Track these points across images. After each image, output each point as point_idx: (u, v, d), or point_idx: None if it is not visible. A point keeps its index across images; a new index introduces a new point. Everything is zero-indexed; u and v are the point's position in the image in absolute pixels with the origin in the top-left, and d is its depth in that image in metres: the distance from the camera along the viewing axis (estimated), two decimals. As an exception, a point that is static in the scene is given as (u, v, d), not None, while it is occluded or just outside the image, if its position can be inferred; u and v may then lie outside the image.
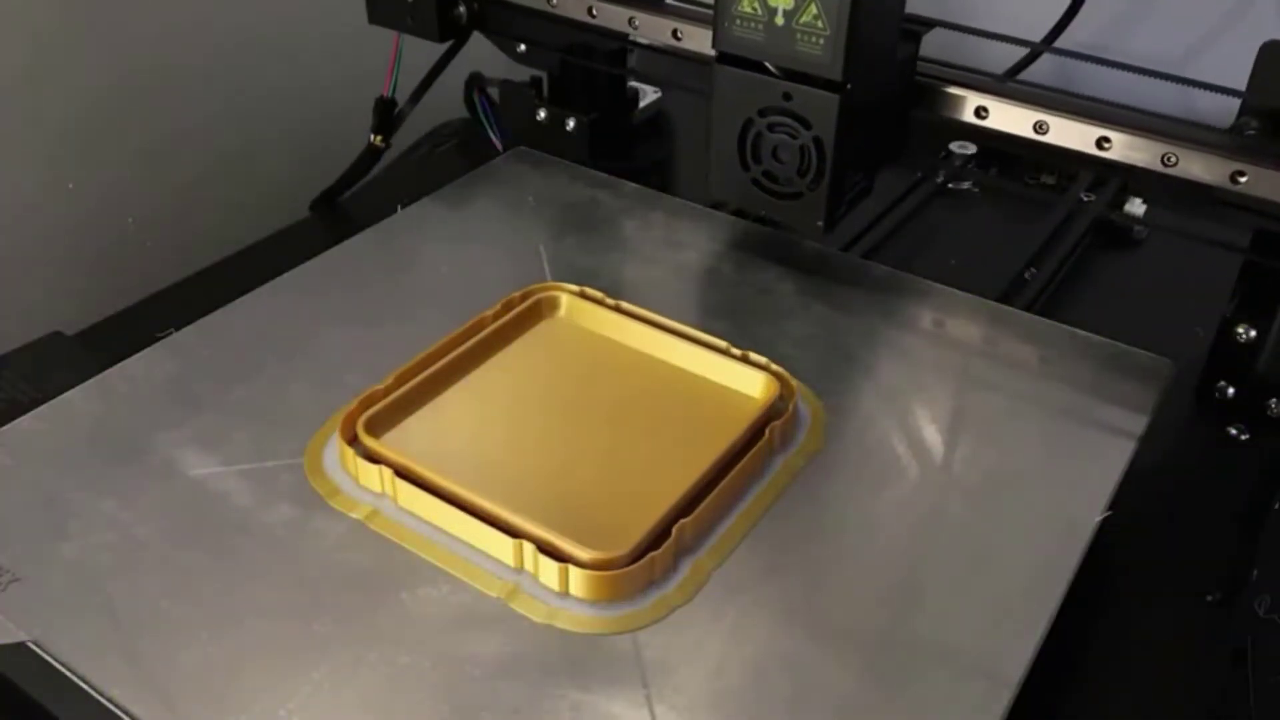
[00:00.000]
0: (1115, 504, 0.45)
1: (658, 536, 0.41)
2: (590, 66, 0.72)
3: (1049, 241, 0.67)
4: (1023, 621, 0.40)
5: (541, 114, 0.74)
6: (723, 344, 0.51)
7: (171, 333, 0.54)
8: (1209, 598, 0.47)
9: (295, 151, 0.73)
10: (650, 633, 0.40)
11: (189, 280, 0.66)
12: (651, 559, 0.41)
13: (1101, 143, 0.54)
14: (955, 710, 0.38)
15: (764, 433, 0.46)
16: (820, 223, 0.55)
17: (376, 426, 0.46)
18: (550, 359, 0.52)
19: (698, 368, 0.51)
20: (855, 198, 0.59)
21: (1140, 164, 0.53)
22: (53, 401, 0.49)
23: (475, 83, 0.78)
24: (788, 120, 0.54)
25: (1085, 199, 0.72)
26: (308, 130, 0.73)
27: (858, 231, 0.68)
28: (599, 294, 0.54)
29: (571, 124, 0.73)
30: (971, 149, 0.76)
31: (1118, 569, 0.48)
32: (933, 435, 0.49)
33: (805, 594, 0.42)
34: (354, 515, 0.44)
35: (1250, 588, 0.47)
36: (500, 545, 0.42)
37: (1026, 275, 0.65)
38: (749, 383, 0.49)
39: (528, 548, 0.41)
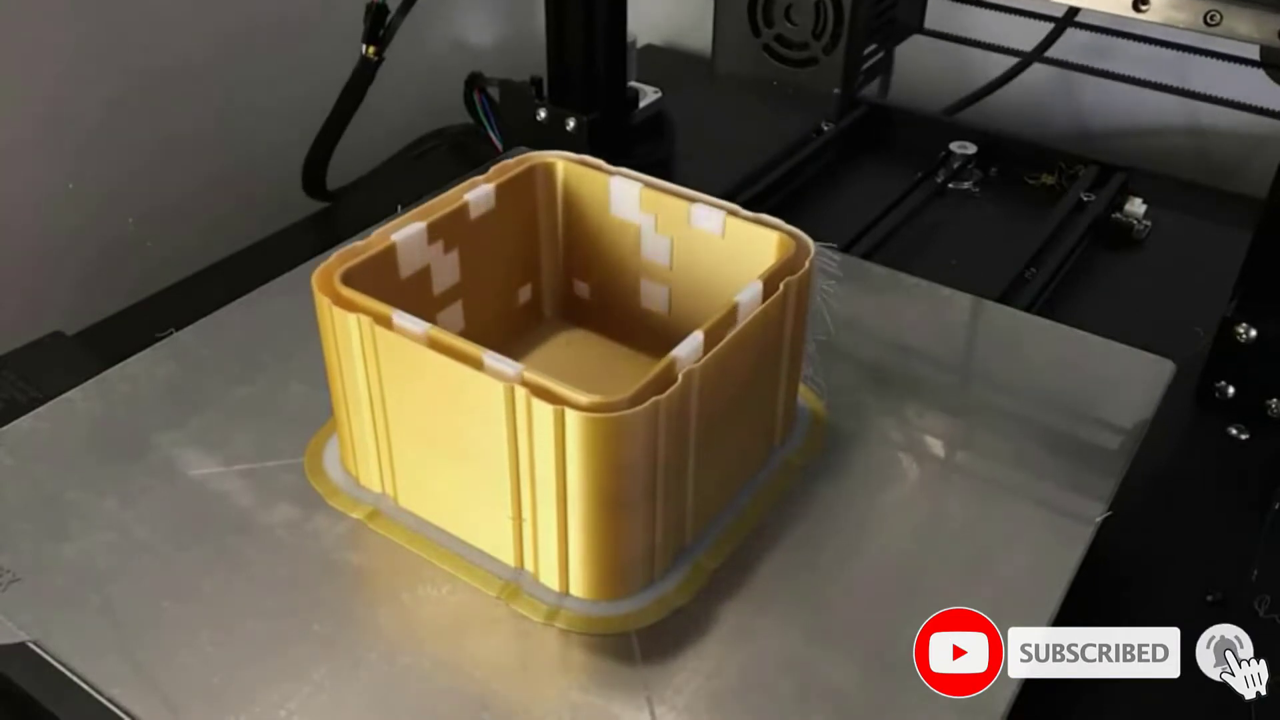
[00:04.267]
0: (1115, 504, 0.45)
1: (663, 382, 0.38)
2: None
3: (1049, 241, 0.68)
4: (1023, 621, 0.40)
5: (541, 114, 0.74)
6: (731, 205, 0.47)
7: (171, 333, 0.54)
8: (1209, 598, 0.47)
9: (295, 152, 0.73)
10: (650, 633, 0.40)
11: (189, 280, 0.66)
12: (656, 403, 0.37)
13: (1138, 3, 0.50)
14: (955, 710, 0.38)
15: (779, 287, 0.43)
16: (837, 89, 0.53)
17: (355, 279, 0.42)
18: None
19: (707, 228, 0.48)
20: (873, 67, 0.56)
21: (1181, 25, 0.50)
22: (53, 401, 0.49)
23: (475, 83, 0.78)
24: None
25: (1085, 199, 0.72)
26: (308, 131, 0.72)
27: (858, 231, 0.68)
28: (598, 160, 0.50)
29: (571, 124, 0.73)
30: (971, 149, 0.76)
31: (1118, 569, 0.48)
32: (933, 436, 0.49)
33: (805, 594, 0.42)
34: (354, 515, 0.44)
35: (1250, 588, 0.47)
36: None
37: (1026, 275, 0.65)
38: (762, 241, 0.46)
39: (519, 392, 0.37)
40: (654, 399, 0.37)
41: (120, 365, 0.52)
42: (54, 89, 0.67)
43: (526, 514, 0.40)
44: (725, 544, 0.43)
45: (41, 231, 0.68)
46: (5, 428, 0.48)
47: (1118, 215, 0.71)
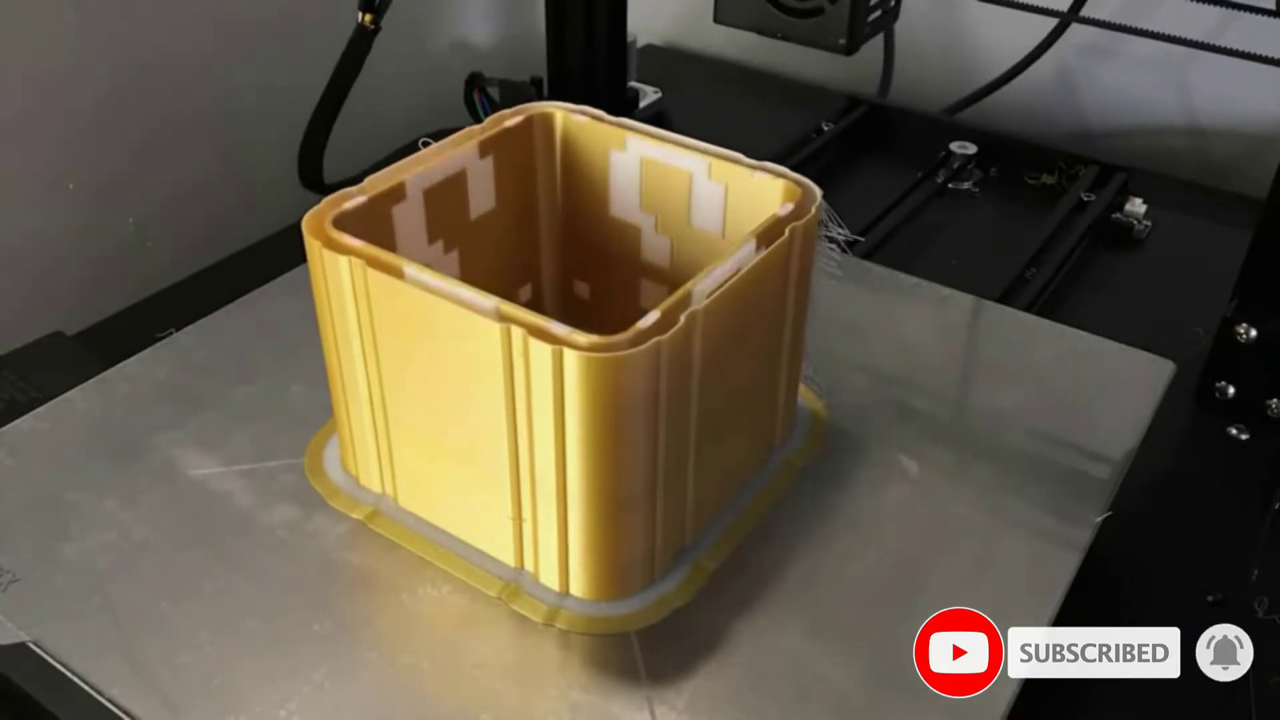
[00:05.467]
0: (1115, 504, 0.45)
1: (666, 323, 0.37)
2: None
3: (1049, 241, 0.68)
4: (1023, 621, 0.40)
5: (541, 114, 0.74)
6: (735, 154, 0.46)
7: (171, 333, 0.54)
8: (1209, 598, 0.47)
9: (296, 151, 0.73)
10: (650, 633, 0.40)
11: (189, 280, 0.66)
12: (658, 344, 0.36)
13: None
14: (956, 710, 0.38)
15: (784, 233, 0.41)
16: (843, 40, 0.51)
17: (346, 224, 0.41)
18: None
19: (711, 178, 0.46)
20: (879, 20, 0.54)
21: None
22: (53, 401, 0.49)
23: (475, 83, 0.78)
24: None
25: (1085, 199, 0.72)
26: (308, 130, 0.73)
27: (858, 232, 0.68)
28: (599, 111, 0.49)
29: (571, 124, 0.73)
30: (972, 149, 0.77)
31: (1118, 569, 0.48)
32: (932, 436, 0.49)
33: (805, 594, 0.42)
34: (354, 515, 0.44)
35: (1250, 588, 0.47)
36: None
37: (1026, 275, 0.65)
38: (767, 190, 0.45)
39: (516, 333, 0.36)
40: (655, 339, 0.36)
41: (120, 365, 0.52)
42: (53, 88, 0.67)
43: (525, 476, 0.39)
44: (725, 544, 0.43)
45: (41, 231, 0.68)
46: (5, 428, 0.48)
47: (1118, 215, 0.71)
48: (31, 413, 0.49)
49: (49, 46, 0.66)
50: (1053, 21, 0.78)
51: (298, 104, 0.72)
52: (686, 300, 0.38)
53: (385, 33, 0.70)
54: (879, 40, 0.85)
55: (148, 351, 0.52)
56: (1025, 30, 0.80)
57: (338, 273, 0.40)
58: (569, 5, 0.73)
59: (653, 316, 0.37)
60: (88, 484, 0.45)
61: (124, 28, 0.69)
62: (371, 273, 0.39)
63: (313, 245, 0.40)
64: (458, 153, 0.46)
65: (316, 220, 0.41)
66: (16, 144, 0.66)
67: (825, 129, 0.80)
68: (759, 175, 0.45)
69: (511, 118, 0.48)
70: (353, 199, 0.42)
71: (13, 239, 0.67)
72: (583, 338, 0.35)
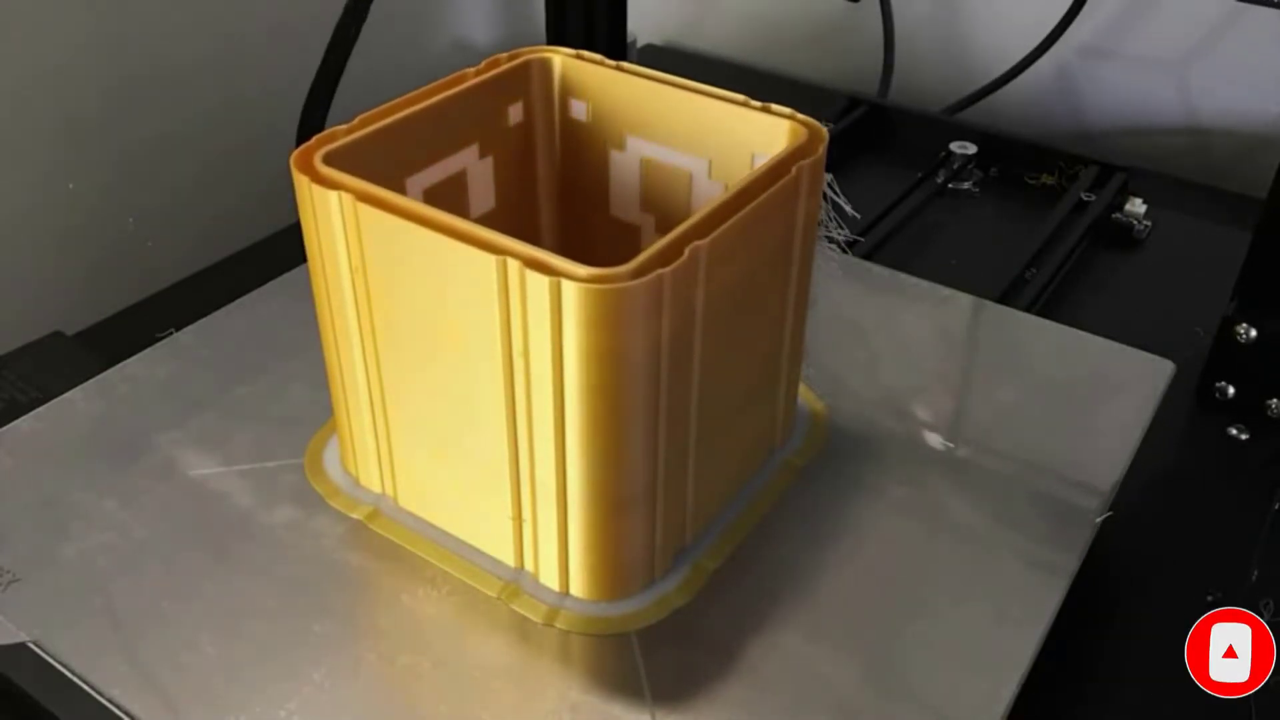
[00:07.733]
0: (1115, 504, 0.45)
1: (669, 256, 0.35)
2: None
3: (1049, 241, 0.68)
4: (1022, 622, 0.40)
5: (541, 114, 0.74)
6: (740, 97, 0.45)
7: (171, 333, 0.54)
8: (1209, 598, 0.47)
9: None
10: (650, 632, 0.40)
11: (189, 280, 0.66)
12: (660, 276, 0.34)
13: None
14: (955, 711, 0.38)
15: (791, 170, 0.41)
16: None
17: (336, 161, 0.40)
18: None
19: (716, 120, 0.45)
20: None
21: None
22: (53, 401, 0.49)
23: (475, 83, 0.78)
24: None
25: (1085, 199, 0.72)
26: (308, 130, 0.72)
27: (858, 232, 0.68)
28: (598, 56, 0.47)
29: (571, 124, 0.73)
30: (972, 149, 0.77)
31: (1118, 569, 0.48)
32: (933, 436, 0.49)
33: (806, 594, 0.42)
34: (354, 515, 0.44)
35: (1250, 588, 0.47)
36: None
37: (1026, 275, 0.65)
38: (774, 131, 0.44)
39: (512, 265, 0.34)
40: (658, 271, 0.34)
41: (120, 365, 0.52)
42: (54, 88, 0.67)
43: (523, 444, 0.38)
44: (725, 544, 0.43)
45: (41, 231, 0.68)
46: (5, 428, 0.48)
47: (1118, 215, 0.71)
48: (31, 413, 0.49)
49: (50, 46, 0.66)
50: (1053, 21, 0.78)
51: (298, 105, 0.72)
52: (690, 233, 0.36)
53: (385, 32, 0.70)
54: (879, 40, 0.86)
55: (148, 351, 0.52)
56: (1025, 30, 0.80)
57: (327, 211, 0.38)
58: (569, 5, 0.73)
59: (656, 248, 0.35)
60: (88, 484, 0.45)
61: (125, 28, 0.69)
62: (362, 208, 0.37)
63: (301, 182, 0.39)
64: (458, 153, 0.46)
65: (305, 157, 0.40)
66: (17, 143, 0.66)
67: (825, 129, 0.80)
68: (759, 163, 0.44)
69: (508, 61, 0.47)
70: (341, 138, 0.41)
71: (13, 238, 0.67)
72: (582, 269, 0.34)
